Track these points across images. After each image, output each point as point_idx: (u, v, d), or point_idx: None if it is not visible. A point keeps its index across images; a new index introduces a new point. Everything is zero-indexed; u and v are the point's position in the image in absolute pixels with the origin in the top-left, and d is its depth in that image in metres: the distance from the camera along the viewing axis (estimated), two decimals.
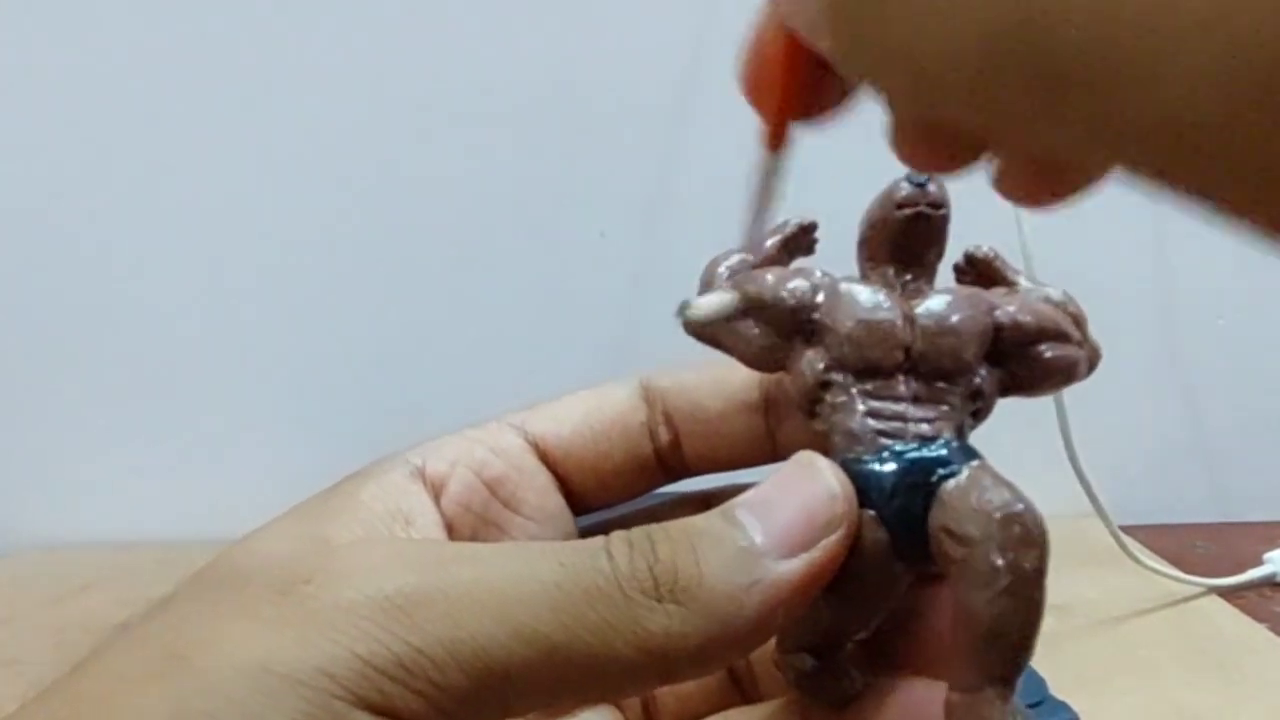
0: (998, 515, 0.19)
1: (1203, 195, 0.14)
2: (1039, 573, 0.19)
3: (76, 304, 0.67)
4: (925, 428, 0.21)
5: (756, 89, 0.18)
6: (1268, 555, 0.58)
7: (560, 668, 0.18)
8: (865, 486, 0.20)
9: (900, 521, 0.20)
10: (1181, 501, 0.69)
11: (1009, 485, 0.20)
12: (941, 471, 0.20)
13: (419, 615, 0.17)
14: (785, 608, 0.19)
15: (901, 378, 0.21)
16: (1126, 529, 0.56)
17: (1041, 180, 0.18)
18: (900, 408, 0.21)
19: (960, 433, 0.21)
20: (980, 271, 0.24)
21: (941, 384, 0.21)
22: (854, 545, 0.20)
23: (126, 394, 0.68)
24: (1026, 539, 0.19)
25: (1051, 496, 0.57)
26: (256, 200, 0.66)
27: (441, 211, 0.66)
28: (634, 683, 0.19)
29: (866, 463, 0.21)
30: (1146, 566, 0.56)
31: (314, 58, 0.64)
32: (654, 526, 0.19)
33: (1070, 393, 0.54)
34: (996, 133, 0.15)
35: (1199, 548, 0.64)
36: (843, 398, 0.22)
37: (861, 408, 0.21)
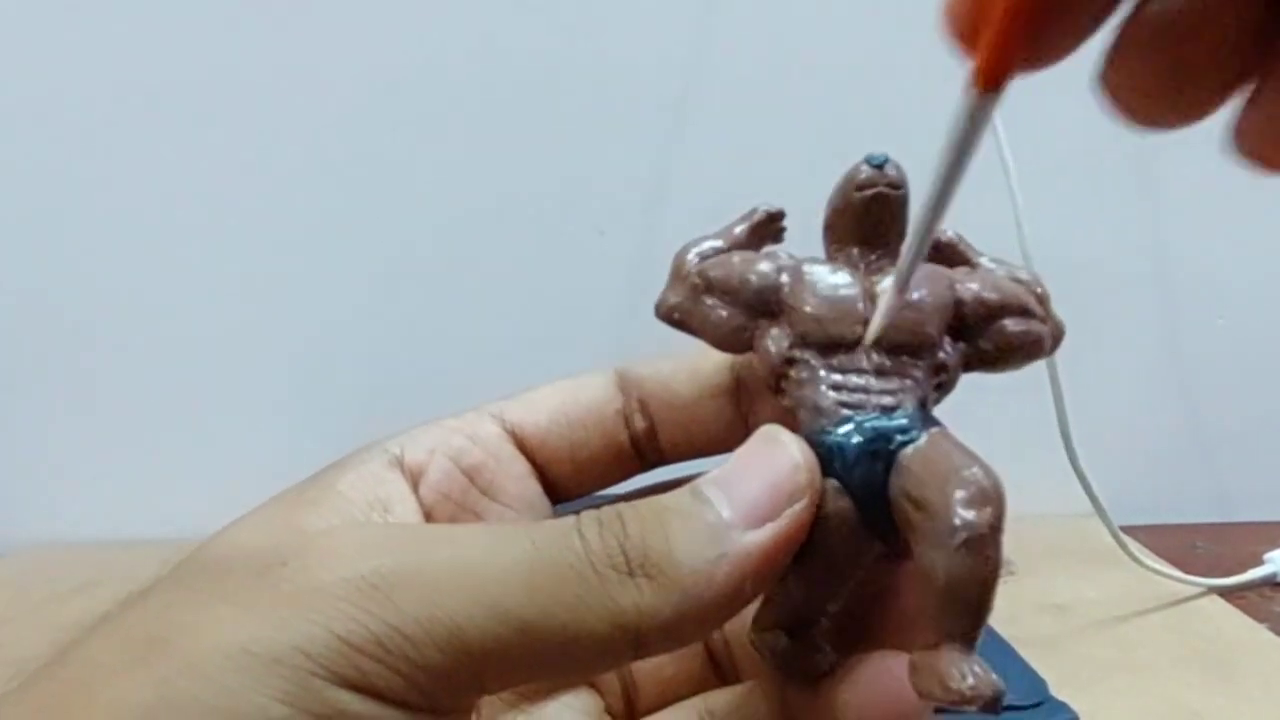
0: (953, 476, 0.19)
1: None
2: (995, 530, 0.19)
3: (75, 304, 0.67)
4: (887, 399, 0.21)
5: (972, 10, 0.15)
6: (1268, 555, 0.58)
7: (535, 645, 0.18)
8: (828, 456, 0.21)
9: (863, 489, 0.21)
10: (1182, 501, 0.69)
11: (966, 450, 0.20)
12: (901, 439, 0.21)
13: (395, 595, 0.17)
14: (753, 578, 0.19)
15: (864, 352, 0.22)
16: (1127, 529, 0.56)
17: None
18: (863, 381, 0.22)
19: (923, 405, 0.22)
20: (945, 255, 0.24)
21: (905, 357, 0.22)
22: (819, 515, 0.21)
23: (126, 394, 0.68)
24: (981, 497, 0.19)
25: (1052, 497, 0.57)
26: (255, 200, 0.66)
27: (439, 208, 0.66)
28: (607, 658, 0.19)
29: (829, 433, 0.21)
30: (1147, 567, 0.56)
31: (310, 52, 0.64)
32: (623, 505, 0.20)
33: (1070, 393, 0.54)
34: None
35: (1199, 548, 0.64)
36: (807, 373, 0.22)
37: (825, 382, 0.22)
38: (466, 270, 0.67)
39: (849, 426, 0.21)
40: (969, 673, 0.18)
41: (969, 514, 0.19)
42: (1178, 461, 0.70)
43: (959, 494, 0.19)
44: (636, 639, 0.18)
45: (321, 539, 0.19)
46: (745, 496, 0.20)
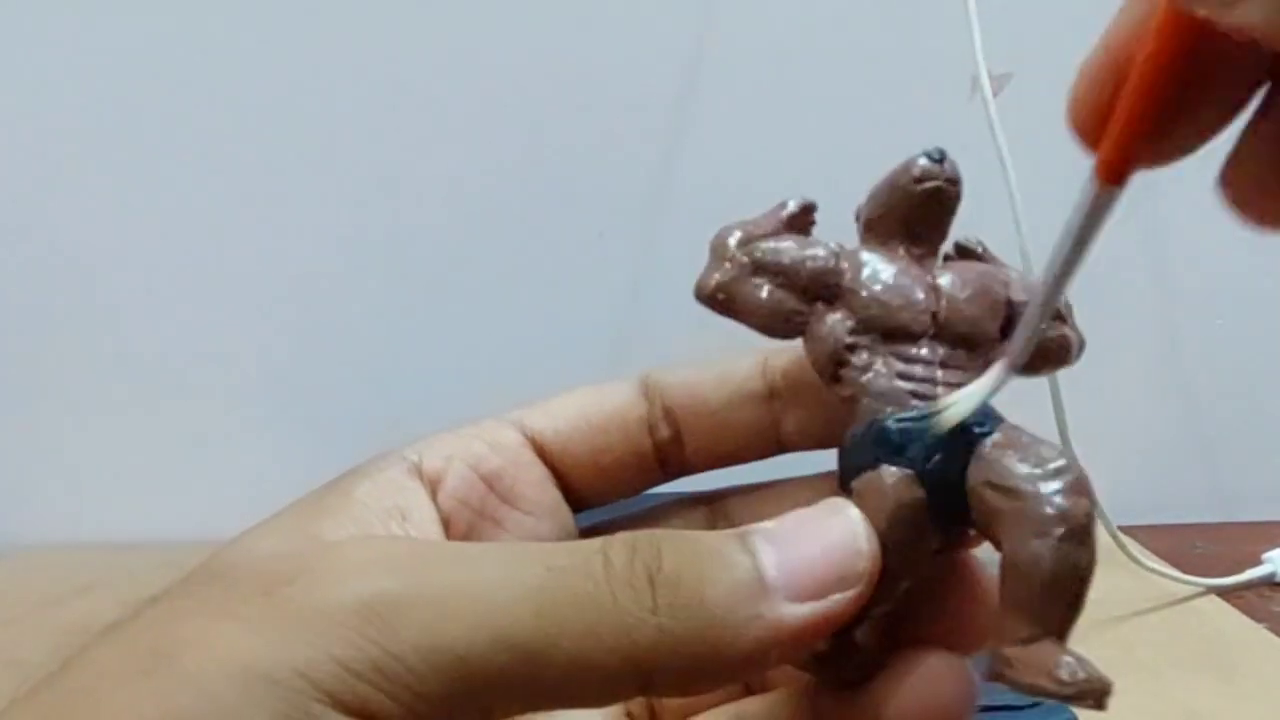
0: (1047, 466, 0.19)
1: None
2: (1091, 520, 0.19)
3: (75, 304, 0.67)
4: (955, 392, 0.21)
5: (1098, 102, 0.15)
6: (1266, 555, 0.58)
7: (540, 674, 0.17)
8: (903, 443, 0.20)
9: (938, 479, 0.20)
10: (1180, 501, 0.69)
11: (1045, 440, 0.20)
12: (978, 430, 0.20)
13: (396, 621, 0.17)
14: (781, 651, 0.18)
15: (928, 343, 0.22)
16: (1125, 529, 0.56)
17: None
18: (929, 371, 0.22)
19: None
20: (968, 259, 0.24)
21: (963, 351, 0.22)
22: (893, 509, 0.20)
23: (126, 394, 0.68)
24: (1077, 488, 0.19)
25: None
26: (255, 202, 0.66)
27: (439, 211, 0.66)
28: (613, 692, 0.19)
29: (903, 420, 0.21)
30: (1145, 567, 0.56)
31: (310, 55, 0.64)
32: (663, 533, 0.19)
33: (1068, 392, 0.54)
34: None
35: (1198, 548, 0.64)
36: (871, 360, 0.22)
37: (892, 370, 0.22)
38: (465, 271, 0.67)
39: (925, 416, 0.21)
40: (1080, 667, 0.18)
41: (1069, 503, 0.19)
42: (1176, 461, 0.70)
43: (1054, 484, 0.19)
44: (646, 678, 0.18)
45: (328, 555, 0.19)
46: (797, 565, 0.19)
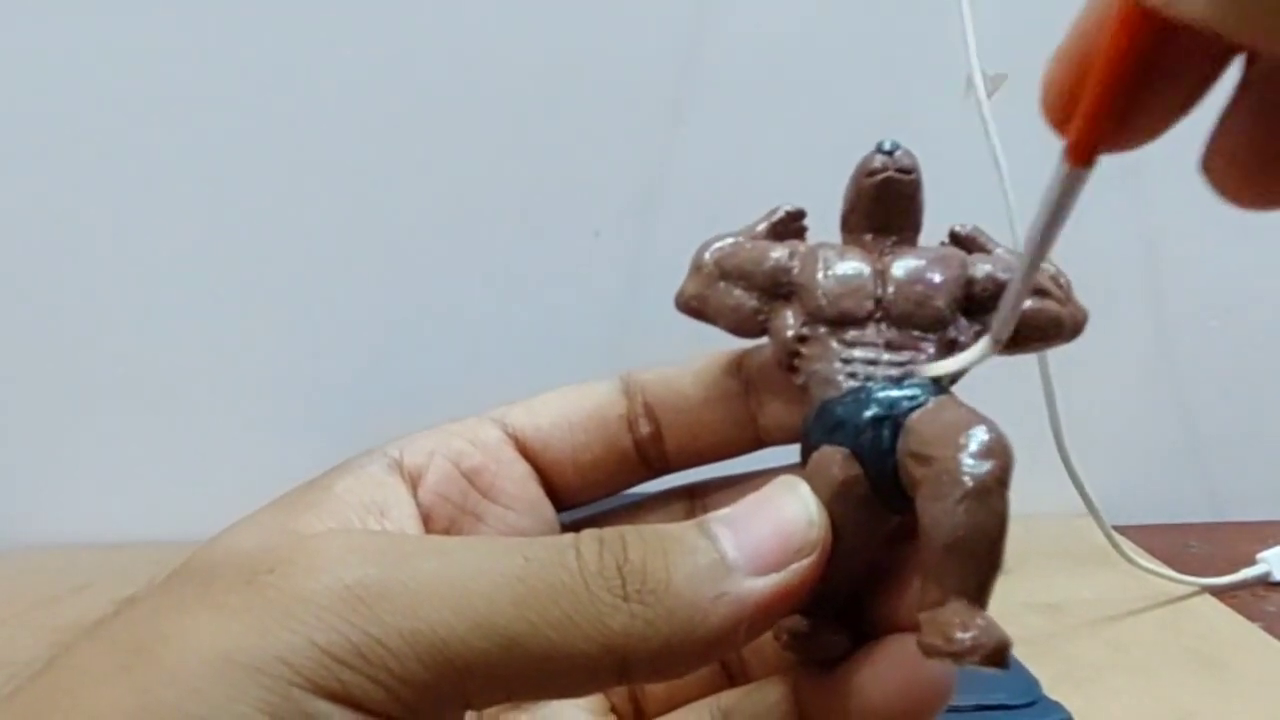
0: (958, 432, 0.19)
1: None
2: (1000, 483, 0.19)
3: (72, 304, 0.67)
4: (895, 370, 0.22)
5: (1067, 88, 0.16)
6: (1261, 555, 0.59)
7: (519, 661, 0.18)
8: (838, 424, 0.21)
9: (872, 455, 0.21)
10: (1175, 501, 0.69)
11: (974, 410, 0.20)
12: (908, 405, 0.21)
13: (378, 606, 0.17)
14: (749, 625, 0.19)
15: (874, 326, 0.23)
16: (1120, 529, 0.57)
17: None
18: (873, 354, 0.22)
19: (936, 379, 0.22)
20: (963, 245, 0.25)
21: (916, 332, 0.22)
22: (834, 486, 0.21)
23: (123, 394, 0.68)
24: (986, 450, 0.19)
25: (1044, 497, 0.57)
26: (252, 205, 0.66)
27: (435, 210, 0.66)
28: (593, 680, 0.19)
29: (837, 401, 0.22)
30: (1140, 566, 0.56)
31: (304, 52, 0.64)
32: (627, 528, 0.20)
33: (1063, 393, 0.54)
34: None
35: (1192, 547, 0.64)
36: (818, 349, 0.23)
37: (836, 356, 0.22)
38: (461, 271, 0.67)
39: (858, 395, 0.21)
40: (972, 624, 0.18)
41: (973, 465, 0.19)
42: (1170, 461, 0.70)
43: (964, 447, 0.19)
44: (623, 663, 0.18)
45: (309, 545, 0.19)
46: (753, 542, 0.19)
